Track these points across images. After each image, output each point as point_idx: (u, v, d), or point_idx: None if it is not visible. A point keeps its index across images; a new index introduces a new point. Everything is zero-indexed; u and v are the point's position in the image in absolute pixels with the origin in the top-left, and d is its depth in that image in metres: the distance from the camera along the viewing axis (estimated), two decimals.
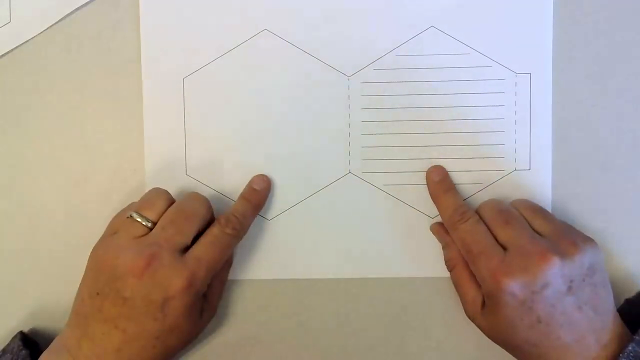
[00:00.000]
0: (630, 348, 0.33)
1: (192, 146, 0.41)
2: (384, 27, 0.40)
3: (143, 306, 0.34)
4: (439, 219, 0.40)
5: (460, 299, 0.38)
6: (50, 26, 0.41)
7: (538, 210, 0.38)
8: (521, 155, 0.40)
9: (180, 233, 0.36)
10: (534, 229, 0.36)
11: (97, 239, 0.37)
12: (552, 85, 0.40)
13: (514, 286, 0.34)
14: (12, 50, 0.41)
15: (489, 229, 0.37)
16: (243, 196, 0.40)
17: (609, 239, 0.40)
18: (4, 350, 0.38)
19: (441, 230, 0.40)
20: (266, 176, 0.41)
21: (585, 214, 0.40)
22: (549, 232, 0.36)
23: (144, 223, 0.36)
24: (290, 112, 0.41)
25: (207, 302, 0.38)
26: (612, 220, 0.40)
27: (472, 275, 0.37)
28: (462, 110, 0.40)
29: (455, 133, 0.40)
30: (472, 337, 0.40)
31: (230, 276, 0.41)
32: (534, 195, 0.40)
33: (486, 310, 0.36)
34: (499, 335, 0.36)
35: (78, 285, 0.36)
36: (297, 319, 0.41)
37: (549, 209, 0.40)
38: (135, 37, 0.41)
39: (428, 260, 0.40)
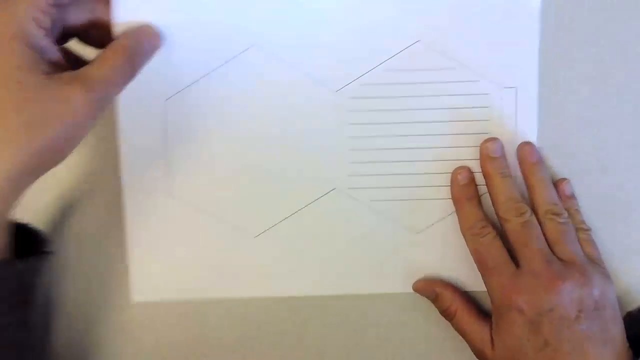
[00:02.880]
0: None
1: (175, 167, 0.40)
2: (371, 42, 0.39)
3: None
4: (425, 234, 0.40)
5: (468, 342, 0.39)
6: None
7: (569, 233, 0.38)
8: None
9: None
10: (553, 251, 0.37)
11: None
12: (537, 100, 0.40)
13: (521, 303, 0.35)
14: None
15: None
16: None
17: (609, 240, 0.40)
18: None
19: (428, 284, 0.40)
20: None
21: (585, 214, 0.40)
22: (568, 258, 0.36)
23: None
24: (277, 127, 0.40)
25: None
26: (612, 220, 0.41)
27: (475, 313, 0.38)
28: (448, 125, 0.40)
29: (442, 148, 0.40)
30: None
31: (215, 294, 0.40)
32: None
33: (495, 337, 0.37)
34: None
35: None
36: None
37: None
38: None
39: (415, 277, 0.41)
